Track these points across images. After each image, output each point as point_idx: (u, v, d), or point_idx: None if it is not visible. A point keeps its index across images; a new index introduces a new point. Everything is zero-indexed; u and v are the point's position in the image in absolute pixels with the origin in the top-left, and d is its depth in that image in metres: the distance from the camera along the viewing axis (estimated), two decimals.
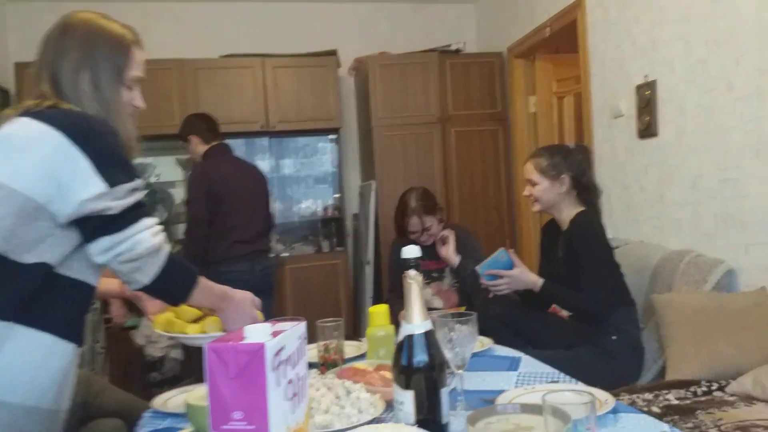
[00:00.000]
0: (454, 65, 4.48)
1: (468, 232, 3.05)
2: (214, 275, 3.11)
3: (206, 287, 1.36)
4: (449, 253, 2.71)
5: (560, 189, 2.32)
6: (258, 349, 0.72)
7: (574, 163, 2.34)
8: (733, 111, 2.49)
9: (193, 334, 1.45)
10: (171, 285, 1.30)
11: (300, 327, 0.84)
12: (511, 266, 2.32)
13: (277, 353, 0.75)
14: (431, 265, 2.95)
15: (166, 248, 1.28)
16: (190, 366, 3.70)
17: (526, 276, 2.29)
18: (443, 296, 2.87)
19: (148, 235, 1.22)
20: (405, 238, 2.93)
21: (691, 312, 2.23)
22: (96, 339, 3.08)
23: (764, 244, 2.37)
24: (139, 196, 1.25)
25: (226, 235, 3.11)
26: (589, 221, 2.29)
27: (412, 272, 1.14)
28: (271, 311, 3.32)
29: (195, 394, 1.18)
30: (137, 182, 1.26)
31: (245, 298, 1.45)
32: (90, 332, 3.03)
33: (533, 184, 2.35)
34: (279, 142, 4.83)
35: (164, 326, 1.50)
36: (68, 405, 1.31)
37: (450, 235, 2.75)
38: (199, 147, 3.31)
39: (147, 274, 1.23)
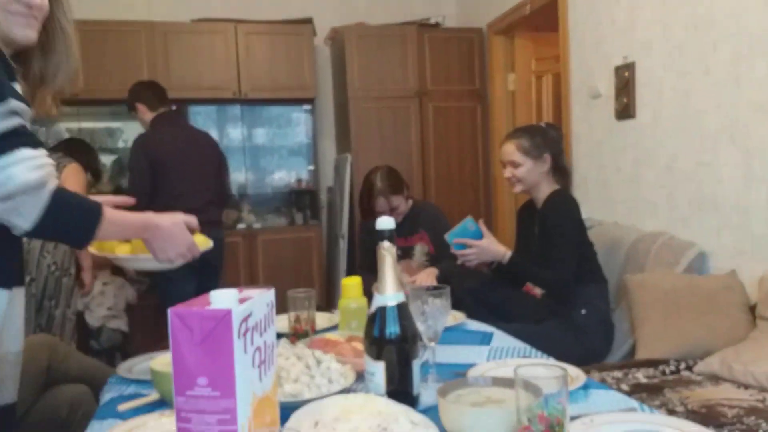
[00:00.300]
0: (433, 39, 4.43)
1: (438, 209, 3.03)
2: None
3: (118, 221, 1.18)
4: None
5: (543, 168, 2.33)
6: (224, 315, 0.69)
7: (552, 142, 2.37)
8: (709, 95, 2.50)
9: (122, 254, 1.34)
10: (63, 227, 1.10)
11: (268, 294, 0.81)
12: (480, 237, 2.31)
13: (244, 320, 0.72)
14: (400, 242, 2.93)
15: (51, 185, 1.07)
16: (131, 338, 3.65)
17: (494, 247, 2.28)
18: (413, 274, 2.86)
19: (22, 169, 1.02)
20: (371, 218, 2.88)
21: (662, 293, 2.25)
22: (68, 304, 3.02)
23: (736, 227, 2.40)
24: (14, 122, 1.04)
25: (172, 204, 3.01)
26: (563, 199, 2.31)
27: (386, 243, 1.12)
28: (219, 284, 3.29)
29: (160, 361, 1.15)
30: (13, 104, 1.04)
31: (175, 222, 1.29)
32: (63, 298, 2.97)
33: (516, 165, 2.34)
34: (251, 110, 4.74)
35: (97, 245, 1.39)
36: (15, 349, 1.23)
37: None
38: (146, 115, 3.23)
39: (27, 218, 1.04)
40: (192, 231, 1.37)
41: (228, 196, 3.53)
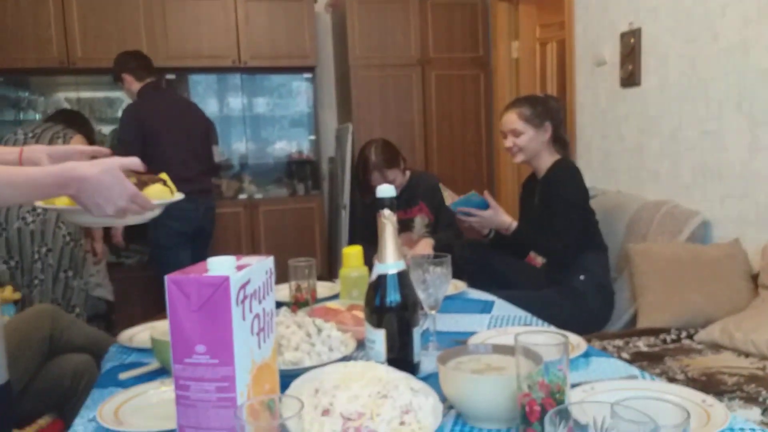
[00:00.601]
0: (436, 6, 4.35)
1: (436, 179, 3.01)
2: (157, 215, 3.12)
3: (18, 182, 0.99)
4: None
5: (544, 137, 2.31)
6: (222, 282, 0.69)
7: (553, 111, 2.35)
8: (716, 62, 2.46)
9: (61, 205, 1.13)
10: None
11: (267, 262, 0.80)
12: (485, 207, 2.30)
13: (243, 287, 0.71)
14: (399, 215, 2.92)
15: None
16: (115, 306, 3.68)
17: (499, 217, 2.28)
18: (412, 246, 2.86)
19: None
20: (369, 194, 2.85)
21: (664, 262, 2.25)
22: (81, 275, 3.06)
23: (740, 196, 2.38)
24: None
25: (167, 171, 3.03)
26: (566, 167, 2.30)
27: (386, 212, 1.11)
28: (208, 252, 3.31)
29: (160, 329, 1.15)
30: None
31: (105, 170, 1.03)
32: (78, 268, 3.02)
33: (517, 134, 2.32)
34: (251, 80, 4.69)
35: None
36: None
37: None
38: (133, 85, 3.21)
39: None
40: (143, 181, 1.18)
41: (217, 167, 3.53)
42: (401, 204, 2.83)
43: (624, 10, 2.99)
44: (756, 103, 2.29)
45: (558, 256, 2.28)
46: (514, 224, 2.28)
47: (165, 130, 3.09)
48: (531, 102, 2.37)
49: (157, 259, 3.27)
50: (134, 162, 1.10)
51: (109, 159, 1.07)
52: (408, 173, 2.91)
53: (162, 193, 1.21)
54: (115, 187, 1.03)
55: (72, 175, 1.00)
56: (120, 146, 3.16)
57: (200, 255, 3.17)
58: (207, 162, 3.33)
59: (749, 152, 2.33)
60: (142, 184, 1.15)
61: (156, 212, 1.20)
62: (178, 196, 1.31)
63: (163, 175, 1.29)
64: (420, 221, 2.91)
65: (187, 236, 3.16)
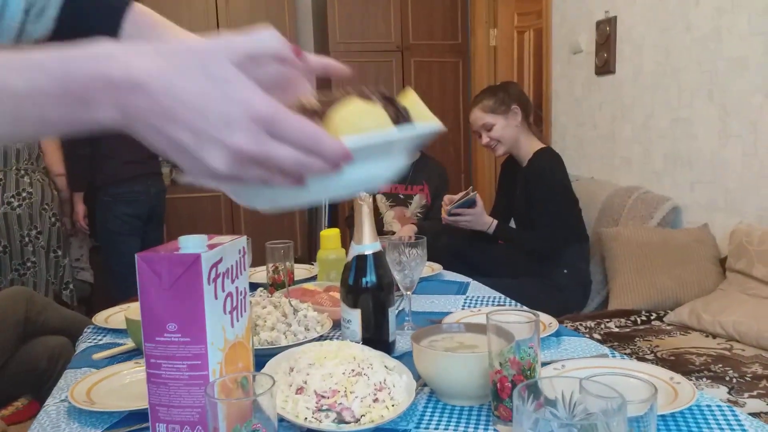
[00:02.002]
0: None
1: (443, 168, 3.07)
2: (108, 197, 3.03)
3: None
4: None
5: (516, 120, 2.32)
6: (193, 261, 0.68)
7: (515, 93, 2.36)
8: (689, 51, 2.50)
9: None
10: None
11: (240, 241, 0.80)
12: (471, 205, 2.32)
13: (215, 265, 0.71)
14: (401, 189, 2.96)
15: None
16: (96, 289, 3.65)
17: (483, 218, 2.31)
18: (403, 223, 2.89)
19: None
20: None
21: (635, 246, 2.29)
22: (68, 253, 3.04)
23: (709, 182, 2.43)
24: None
25: (113, 155, 2.98)
26: (548, 159, 2.31)
27: (362, 194, 1.11)
28: (160, 238, 3.28)
29: (135, 309, 1.14)
30: None
31: (191, 53, 0.43)
32: (64, 247, 3.01)
33: (488, 128, 2.33)
34: None
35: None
36: None
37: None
38: None
39: None
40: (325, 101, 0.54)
41: None
42: (406, 180, 2.91)
43: None
44: (727, 93, 2.33)
45: (542, 253, 2.30)
46: (494, 224, 2.30)
47: None
48: (490, 92, 2.39)
49: (106, 247, 3.12)
50: (274, 45, 0.50)
51: (212, 40, 0.45)
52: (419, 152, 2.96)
53: (364, 115, 0.50)
54: (216, 101, 0.42)
55: (99, 72, 0.42)
56: None
57: (152, 241, 3.14)
58: None
59: (719, 140, 2.37)
60: (314, 116, 0.50)
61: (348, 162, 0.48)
62: (434, 124, 0.58)
63: (408, 93, 0.61)
64: (417, 200, 2.95)
65: (139, 220, 3.10)
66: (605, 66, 2.98)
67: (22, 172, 2.87)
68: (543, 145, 2.35)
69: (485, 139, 2.36)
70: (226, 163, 0.42)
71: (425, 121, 0.55)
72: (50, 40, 0.75)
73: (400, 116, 0.51)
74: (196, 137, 0.42)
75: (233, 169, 0.43)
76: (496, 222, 2.30)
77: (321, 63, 0.65)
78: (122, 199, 2.98)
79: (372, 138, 0.47)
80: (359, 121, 0.47)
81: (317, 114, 0.48)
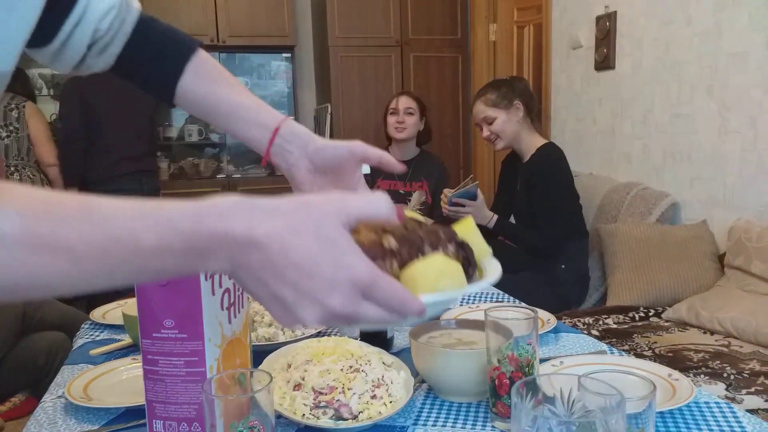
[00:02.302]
0: None
1: (443, 165, 3.08)
2: (101, 195, 3.05)
3: (115, 248, 0.41)
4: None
5: (517, 116, 2.32)
6: None
7: (519, 88, 2.35)
8: (689, 46, 2.49)
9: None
10: None
11: None
12: (473, 197, 2.32)
13: None
14: (400, 186, 2.96)
15: None
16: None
17: (483, 211, 2.31)
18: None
19: None
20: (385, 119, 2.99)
21: (634, 242, 2.29)
22: None
23: (708, 179, 2.43)
24: None
25: (108, 150, 2.97)
26: (550, 155, 2.30)
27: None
28: None
29: (132, 305, 1.14)
30: None
31: (308, 222, 0.45)
32: None
33: (489, 121, 2.32)
34: (230, 59, 4.63)
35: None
36: None
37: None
38: None
39: None
40: (403, 237, 0.54)
41: (155, 146, 3.48)
42: (406, 176, 2.93)
43: None
44: (726, 88, 2.33)
45: (541, 251, 2.29)
46: (494, 219, 2.30)
47: (107, 106, 2.98)
48: (494, 86, 2.38)
49: None
50: (384, 212, 0.50)
51: (329, 200, 0.47)
52: (421, 124, 3.01)
53: (442, 275, 0.52)
54: (324, 264, 0.44)
55: (223, 230, 0.43)
56: (61, 122, 3.06)
57: None
58: (150, 142, 3.26)
59: (718, 135, 2.37)
60: (391, 256, 0.52)
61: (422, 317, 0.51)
62: (482, 282, 0.60)
63: (467, 225, 0.66)
64: (417, 197, 2.94)
65: None
66: (605, 61, 2.98)
67: (12, 168, 2.85)
68: (545, 141, 2.34)
69: (486, 132, 2.36)
70: (317, 319, 0.46)
71: (485, 257, 0.64)
72: (110, 71, 0.80)
73: (469, 265, 0.56)
74: (297, 295, 0.45)
75: (322, 323, 0.46)
76: (496, 217, 2.30)
77: (377, 155, 0.76)
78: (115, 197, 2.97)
79: (448, 296, 0.52)
80: (439, 281, 0.51)
81: (394, 254, 0.52)
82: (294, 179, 0.80)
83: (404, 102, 2.93)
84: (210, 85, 0.80)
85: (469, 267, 0.56)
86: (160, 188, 3.36)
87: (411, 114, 2.92)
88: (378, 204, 0.49)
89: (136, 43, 0.78)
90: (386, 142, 3.08)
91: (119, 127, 3.03)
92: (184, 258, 0.43)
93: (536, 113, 2.39)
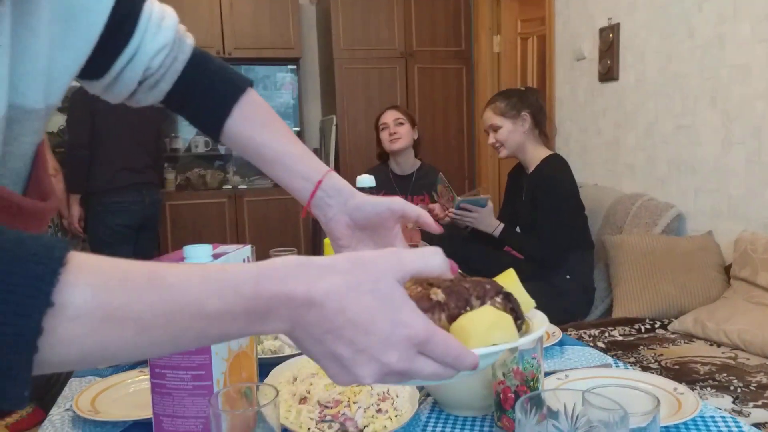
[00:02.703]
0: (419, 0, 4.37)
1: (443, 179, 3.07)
2: (100, 207, 2.98)
3: (172, 311, 0.42)
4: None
5: (523, 127, 2.33)
6: None
7: (530, 101, 2.36)
8: (692, 58, 2.50)
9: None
10: None
11: (245, 250, 0.81)
12: (483, 206, 2.34)
13: None
14: None
15: None
16: None
17: (490, 219, 2.31)
18: (406, 234, 2.88)
19: None
20: (378, 136, 2.97)
21: (639, 253, 2.28)
22: None
23: (713, 190, 2.43)
24: None
25: (111, 161, 2.98)
26: (555, 167, 2.30)
27: None
28: (154, 246, 3.26)
29: None
30: None
31: (365, 279, 0.46)
32: None
33: (495, 129, 2.34)
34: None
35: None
36: None
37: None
38: None
39: None
40: (450, 290, 0.54)
41: (162, 159, 3.51)
42: (408, 191, 2.92)
43: (603, 6, 3.02)
44: (730, 99, 2.33)
45: (544, 262, 2.29)
46: (500, 228, 2.30)
47: (116, 117, 2.99)
48: (505, 95, 2.39)
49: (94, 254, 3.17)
50: (439, 269, 0.50)
51: (383, 256, 0.48)
52: (415, 133, 3.00)
53: (494, 327, 0.53)
54: (381, 321, 0.45)
55: (284, 292, 0.44)
56: (69, 130, 3.07)
57: (145, 249, 3.12)
58: (155, 154, 3.27)
59: (722, 147, 2.37)
60: (439, 309, 0.53)
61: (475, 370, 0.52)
62: (532, 334, 0.60)
63: (510, 277, 0.69)
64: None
65: (130, 230, 3.08)
66: (608, 73, 2.99)
67: None
68: (550, 152, 2.35)
69: (491, 140, 2.38)
70: (374, 376, 0.46)
71: (528, 309, 0.65)
72: (161, 103, 0.83)
73: (517, 317, 0.56)
74: (354, 353, 0.45)
75: (378, 380, 0.46)
76: (502, 225, 2.30)
77: (415, 213, 0.80)
78: (114, 209, 2.96)
79: (501, 348, 0.52)
80: (491, 334, 0.52)
81: (442, 307, 0.53)
82: (332, 233, 0.81)
83: (392, 115, 2.93)
84: (257, 129, 0.81)
85: (517, 318, 0.56)
86: (161, 200, 3.36)
87: (402, 124, 2.91)
88: (432, 259, 0.50)
89: (187, 81, 0.80)
90: (384, 159, 3.05)
91: (123, 139, 3.04)
92: (246, 321, 0.44)
93: (544, 127, 2.38)
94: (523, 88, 2.52)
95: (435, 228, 0.80)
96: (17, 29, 0.52)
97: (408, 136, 2.92)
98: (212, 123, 0.82)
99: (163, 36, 0.75)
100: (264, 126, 0.82)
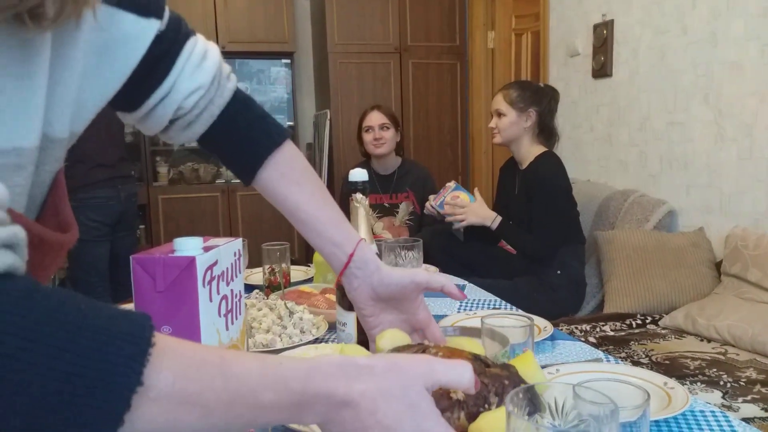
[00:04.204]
0: None
1: (428, 171, 3.06)
2: (75, 202, 2.99)
3: (216, 402, 0.45)
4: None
5: (525, 123, 2.33)
6: (188, 263, 0.69)
7: (543, 101, 2.35)
8: (685, 54, 2.51)
9: None
10: None
11: (236, 243, 0.81)
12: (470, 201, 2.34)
13: (210, 268, 0.71)
14: (385, 199, 2.95)
15: None
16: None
17: (484, 211, 2.31)
18: (394, 232, 2.87)
19: None
20: (360, 137, 2.95)
21: (631, 249, 2.30)
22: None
23: (705, 186, 2.44)
24: None
25: (84, 157, 2.92)
26: (550, 163, 2.31)
27: (358, 195, 1.11)
28: (132, 244, 3.19)
29: None
30: None
31: (395, 385, 0.50)
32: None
33: (500, 115, 2.34)
34: (230, 64, 4.55)
35: None
36: None
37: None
38: None
39: None
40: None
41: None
42: (390, 189, 2.89)
43: (597, 2, 3.02)
44: (722, 96, 2.34)
45: (538, 257, 2.30)
46: (498, 219, 2.30)
47: None
48: (521, 86, 2.38)
49: (71, 253, 3.00)
50: (467, 384, 0.53)
51: (417, 364, 0.52)
52: (398, 136, 2.96)
53: None
54: (407, 427, 0.49)
55: (326, 391, 0.48)
56: None
57: (124, 245, 3.08)
58: (126, 148, 3.23)
59: (714, 143, 2.38)
60: (459, 407, 0.58)
61: None
62: None
63: (528, 360, 0.71)
64: (404, 208, 2.93)
65: (107, 227, 3.01)
66: (602, 69, 2.99)
67: None
68: (544, 149, 2.35)
69: (492, 123, 2.38)
70: None
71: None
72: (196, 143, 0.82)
73: (536, 411, 0.58)
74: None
75: None
76: (500, 218, 2.30)
77: (440, 284, 0.82)
78: (90, 204, 2.92)
79: None
80: None
81: (461, 405, 0.56)
82: (356, 302, 0.85)
83: (378, 118, 2.88)
84: (291, 187, 0.83)
85: (536, 412, 0.57)
86: (137, 192, 3.28)
87: (387, 128, 2.87)
88: (461, 374, 0.53)
89: (222, 126, 0.80)
90: (364, 158, 3.04)
91: (94, 135, 3.00)
92: (288, 412, 0.48)
93: (546, 130, 2.36)
94: (542, 85, 2.48)
95: (459, 296, 0.84)
96: (53, 59, 0.53)
97: (392, 140, 2.90)
98: (245, 171, 0.83)
99: (199, 77, 0.75)
100: (298, 185, 0.83)
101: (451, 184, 2.38)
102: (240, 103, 0.81)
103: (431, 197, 2.42)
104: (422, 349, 0.59)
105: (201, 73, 0.75)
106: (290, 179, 0.83)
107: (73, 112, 0.59)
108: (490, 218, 2.30)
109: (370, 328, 0.85)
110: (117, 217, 3.06)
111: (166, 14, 0.71)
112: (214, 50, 0.78)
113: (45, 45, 0.51)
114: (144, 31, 0.65)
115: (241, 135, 0.81)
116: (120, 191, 3.04)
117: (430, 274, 0.83)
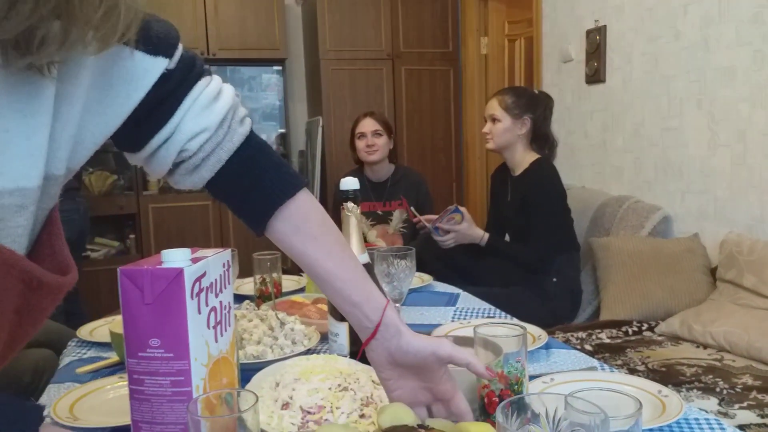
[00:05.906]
0: (406, 1, 4.36)
1: (421, 177, 3.04)
2: None
3: None
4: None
5: (520, 130, 2.32)
6: (176, 275, 0.67)
7: (538, 108, 2.35)
8: (678, 60, 2.51)
9: None
10: None
11: (225, 254, 0.79)
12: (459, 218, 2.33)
13: (198, 279, 0.70)
14: (378, 207, 2.93)
15: None
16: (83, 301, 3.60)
17: (472, 231, 2.30)
18: (387, 240, 2.86)
19: None
20: (353, 143, 2.93)
21: (626, 256, 2.29)
22: None
23: (699, 192, 2.44)
24: None
25: None
26: (545, 170, 2.30)
27: (350, 204, 1.10)
28: (82, 258, 3.12)
29: (119, 323, 1.13)
30: None
31: None
32: None
33: (494, 120, 2.33)
34: (221, 72, 4.62)
35: None
36: None
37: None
38: None
39: None
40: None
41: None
42: (383, 196, 2.88)
43: (590, 8, 3.03)
44: (715, 101, 2.35)
45: (532, 266, 2.29)
46: (486, 237, 2.30)
47: None
48: (516, 92, 2.37)
49: None
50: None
51: None
52: (391, 143, 2.94)
53: None
54: None
55: None
56: None
57: (78, 261, 3.05)
58: (117, 155, 3.22)
59: (708, 149, 2.39)
60: None
61: None
62: None
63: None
64: (398, 215, 2.92)
65: (70, 245, 2.99)
66: (595, 75, 3.00)
67: None
68: (537, 156, 2.34)
69: (486, 128, 2.37)
70: None
71: None
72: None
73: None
74: None
75: None
76: (487, 235, 2.30)
77: (464, 360, 0.75)
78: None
79: None
80: None
81: None
82: (374, 364, 0.79)
83: (370, 125, 2.87)
84: (307, 242, 0.78)
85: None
86: (88, 206, 3.18)
87: (379, 135, 2.86)
88: None
89: (231, 172, 0.76)
90: (357, 165, 3.02)
91: None
92: None
93: (540, 138, 2.36)
94: (537, 92, 2.47)
95: (486, 374, 0.76)
96: (56, 95, 0.51)
97: (385, 147, 2.88)
98: (254, 221, 0.78)
99: (206, 119, 0.71)
100: (315, 239, 0.78)
101: (452, 207, 2.37)
102: (253, 149, 0.77)
103: (429, 217, 2.41)
104: None
105: (209, 114, 0.71)
106: (306, 233, 0.78)
107: (71, 148, 0.57)
108: (478, 237, 2.30)
109: (389, 392, 0.79)
110: (79, 233, 2.98)
111: (178, 53, 0.68)
112: (228, 92, 0.74)
113: (49, 86, 0.50)
114: (150, 69, 0.63)
115: (252, 182, 0.76)
116: (79, 204, 2.97)
117: (453, 347, 0.75)
